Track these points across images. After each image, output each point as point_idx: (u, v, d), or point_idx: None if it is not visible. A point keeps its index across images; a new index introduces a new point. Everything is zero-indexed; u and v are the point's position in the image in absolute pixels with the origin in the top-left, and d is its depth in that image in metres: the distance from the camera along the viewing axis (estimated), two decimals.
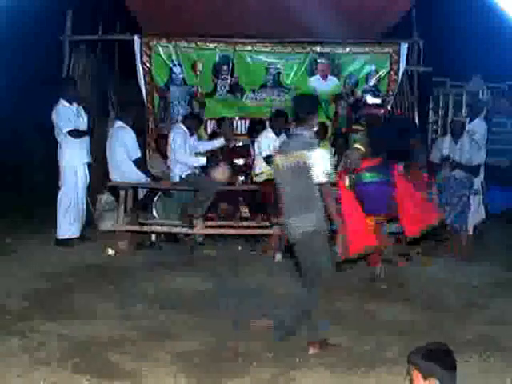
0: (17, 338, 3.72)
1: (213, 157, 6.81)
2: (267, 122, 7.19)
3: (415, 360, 2.31)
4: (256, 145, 6.75)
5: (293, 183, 3.83)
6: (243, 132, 7.76)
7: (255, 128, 7.28)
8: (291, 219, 3.84)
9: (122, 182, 6.50)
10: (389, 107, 7.68)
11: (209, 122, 7.82)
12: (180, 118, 7.29)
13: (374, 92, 7.82)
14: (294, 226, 3.82)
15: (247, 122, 7.78)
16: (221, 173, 6.38)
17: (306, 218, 3.76)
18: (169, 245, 6.77)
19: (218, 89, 7.81)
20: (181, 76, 7.74)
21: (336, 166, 7.21)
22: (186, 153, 6.45)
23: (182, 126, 6.63)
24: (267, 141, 6.58)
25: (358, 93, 7.84)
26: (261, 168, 6.67)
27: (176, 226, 6.44)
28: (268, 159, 6.57)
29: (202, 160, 6.58)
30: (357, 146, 5.09)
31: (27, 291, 4.70)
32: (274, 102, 7.80)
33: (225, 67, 7.73)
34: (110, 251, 6.21)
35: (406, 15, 7.49)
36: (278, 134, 6.63)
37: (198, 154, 6.77)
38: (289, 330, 3.97)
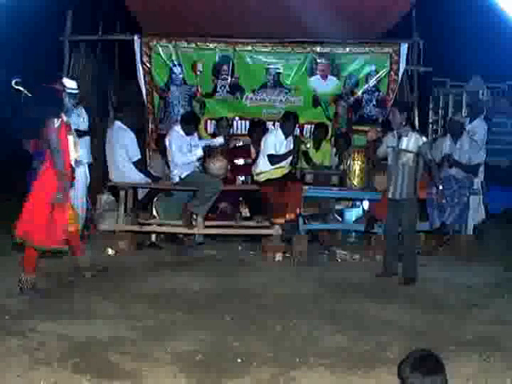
0: (17, 338, 3.71)
1: (210, 151, 6.74)
2: (270, 123, 7.20)
3: (401, 375, 2.29)
4: (262, 143, 6.67)
5: None
6: (243, 132, 7.76)
7: (255, 129, 7.27)
8: None
9: (122, 181, 6.50)
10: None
11: (209, 122, 7.83)
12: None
13: (374, 92, 7.83)
14: None
15: (247, 122, 7.79)
16: (218, 165, 6.37)
17: None
18: (169, 245, 6.77)
19: (218, 89, 7.81)
20: (181, 76, 7.74)
21: (337, 166, 7.24)
22: (182, 154, 6.39)
23: (178, 128, 6.48)
24: (275, 140, 6.57)
25: (358, 93, 7.85)
26: (261, 168, 6.63)
27: (176, 225, 6.45)
28: (271, 158, 6.56)
29: (199, 152, 6.44)
30: None
31: (27, 291, 4.69)
32: (273, 103, 7.81)
33: (225, 67, 7.73)
34: (110, 251, 6.22)
35: (405, 15, 7.50)
36: (287, 136, 6.62)
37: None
38: None
